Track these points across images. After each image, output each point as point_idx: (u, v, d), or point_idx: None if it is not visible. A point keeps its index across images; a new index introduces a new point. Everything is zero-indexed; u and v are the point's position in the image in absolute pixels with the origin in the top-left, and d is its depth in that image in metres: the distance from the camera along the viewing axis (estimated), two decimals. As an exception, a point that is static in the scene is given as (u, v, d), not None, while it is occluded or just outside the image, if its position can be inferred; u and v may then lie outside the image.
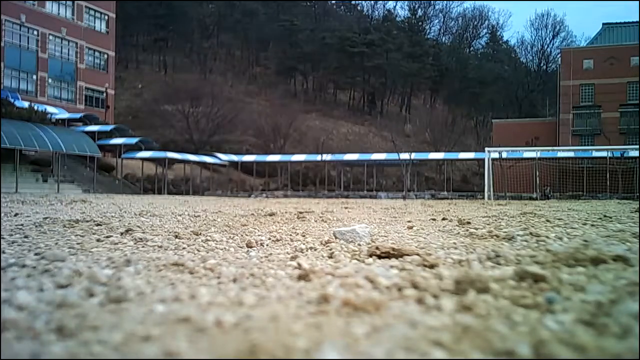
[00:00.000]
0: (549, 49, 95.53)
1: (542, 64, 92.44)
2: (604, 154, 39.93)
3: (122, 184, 41.90)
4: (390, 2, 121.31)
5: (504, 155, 41.05)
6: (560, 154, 41.01)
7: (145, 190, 42.32)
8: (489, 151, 29.59)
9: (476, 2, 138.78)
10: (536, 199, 37.79)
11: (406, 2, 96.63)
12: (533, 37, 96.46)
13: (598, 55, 44.76)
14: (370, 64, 79.87)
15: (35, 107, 40.16)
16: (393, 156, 45.56)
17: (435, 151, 65.27)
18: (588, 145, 44.48)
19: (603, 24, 51.72)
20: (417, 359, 1.15)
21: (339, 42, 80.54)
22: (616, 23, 50.42)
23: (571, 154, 40.63)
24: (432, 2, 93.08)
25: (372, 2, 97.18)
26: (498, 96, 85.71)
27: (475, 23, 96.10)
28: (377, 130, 79.06)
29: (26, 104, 40.54)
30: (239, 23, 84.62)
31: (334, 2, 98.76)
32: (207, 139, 64.59)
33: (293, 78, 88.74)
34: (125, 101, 72.24)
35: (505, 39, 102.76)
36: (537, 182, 37.18)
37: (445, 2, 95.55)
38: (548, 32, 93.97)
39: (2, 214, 6.04)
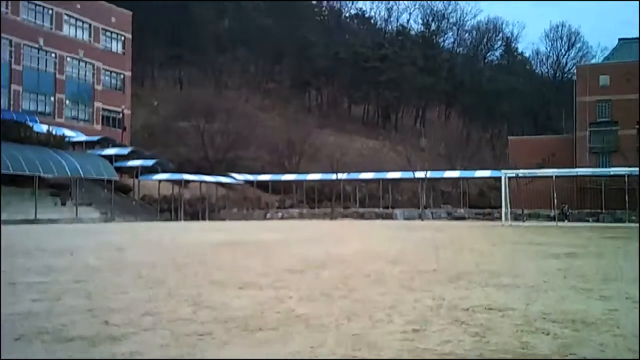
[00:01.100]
0: (564, 60, 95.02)
1: (557, 76, 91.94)
2: (622, 171, 39.55)
3: (140, 205, 42.24)
4: (404, 16, 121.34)
5: (521, 174, 40.81)
6: (579, 172, 40.69)
7: (162, 211, 42.64)
8: (505, 173, 29.40)
9: (490, 14, 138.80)
10: (554, 218, 37.49)
11: (420, 16, 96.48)
12: (548, 49, 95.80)
13: (614, 71, 44.43)
14: (384, 79, 79.90)
15: (54, 132, 40.70)
16: (408, 174, 45.47)
17: (451, 166, 65.06)
18: (605, 162, 44.07)
19: (619, 39, 51.51)
20: None
21: (352, 57, 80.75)
22: (632, 38, 50.11)
23: (589, 172, 40.31)
24: (446, 15, 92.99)
25: (386, 16, 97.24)
26: (513, 109, 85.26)
27: (490, 35, 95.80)
28: (391, 145, 78.88)
29: (44, 127, 41.10)
30: (253, 38, 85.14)
31: (347, 16, 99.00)
32: (222, 156, 64.85)
33: (307, 93, 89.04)
34: (141, 118, 72.82)
35: (520, 50, 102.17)
36: (555, 201, 36.97)
37: (459, 15, 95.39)
38: (563, 43, 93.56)
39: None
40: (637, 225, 27.24)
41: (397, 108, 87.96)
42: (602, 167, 43.50)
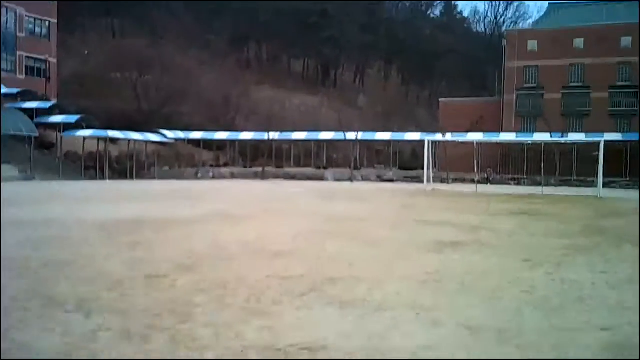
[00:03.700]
0: (502, 20, 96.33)
1: (495, 36, 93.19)
2: (545, 136, 40.88)
3: (63, 164, 40.82)
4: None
5: (448, 136, 41.61)
6: (502, 136, 41.88)
7: (87, 169, 41.38)
8: (428, 139, 29.87)
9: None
10: (479, 182, 38.54)
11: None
12: (486, 8, 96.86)
13: (542, 37, 45.36)
14: (324, 35, 78.97)
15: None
16: (340, 136, 45.62)
17: (388, 125, 65.60)
18: (530, 126, 45.41)
19: (549, 4, 52.55)
20: None
21: (293, 11, 79.19)
22: (562, 3, 51.13)
23: (513, 137, 41.55)
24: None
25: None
26: (451, 68, 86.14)
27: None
28: (330, 102, 78.72)
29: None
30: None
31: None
32: (157, 110, 63.17)
33: (247, 47, 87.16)
34: (71, 68, 69.71)
35: (459, 9, 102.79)
36: (479, 166, 37.98)
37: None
38: (501, 2, 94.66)
39: None
40: (551, 192, 28.37)
41: (337, 65, 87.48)
42: (527, 131, 44.85)
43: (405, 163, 51.83)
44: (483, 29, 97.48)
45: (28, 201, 17.31)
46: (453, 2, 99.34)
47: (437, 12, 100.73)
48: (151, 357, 3.91)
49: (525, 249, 9.27)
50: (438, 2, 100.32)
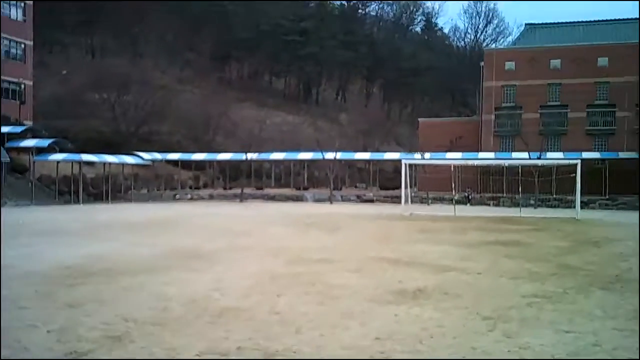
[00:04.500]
0: (482, 37, 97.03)
1: (475, 52, 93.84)
2: (523, 156, 40.81)
3: (36, 188, 39.94)
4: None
5: (427, 156, 41.40)
6: (481, 155, 41.76)
7: (60, 193, 40.53)
8: (404, 161, 29.53)
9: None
10: (458, 202, 38.28)
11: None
12: (466, 25, 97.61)
13: (520, 57, 45.50)
14: (304, 52, 78.90)
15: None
16: (319, 156, 45.27)
17: (370, 142, 65.39)
18: (508, 146, 45.38)
19: (526, 24, 52.78)
20: None
21: (273, 29, 79.09)
22: (539, 24, 51.50)
23: (491, 157, 41.49)
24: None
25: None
26: (432, 85, 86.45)
27: (410, 10, 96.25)
28: (312, 120, 78.41)
29: None
30: (172, 6, 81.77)
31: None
32: (135, 130, 62.46)
33: (228, 65, 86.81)
34: (49, 88, 68.79)
35: (439, 26, 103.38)
36: (457, 185, 37.73)
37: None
38: (481, 19, 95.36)
39: None
40: (529, 215, 28.06)
41: (319, 82, 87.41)
42: (506, 150, 44.79)
43: (386, 181, 51.53)
44: (463, 45, 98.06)
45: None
46: (434, 19, 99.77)
47: (418, 29, 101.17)
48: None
49: (490, 300, 8.83)
50: (420, 17, 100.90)
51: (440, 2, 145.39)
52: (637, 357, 2.65)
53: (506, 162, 36.32)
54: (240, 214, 29.23)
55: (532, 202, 37.80)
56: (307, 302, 8.53)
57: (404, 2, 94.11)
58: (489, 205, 39.27)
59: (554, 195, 38.26)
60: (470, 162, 36.56)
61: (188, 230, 19.72)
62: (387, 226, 21.99)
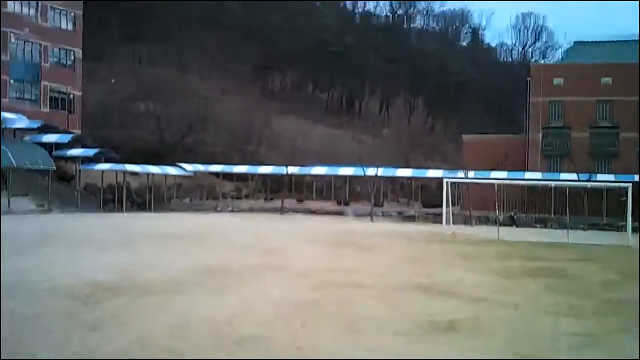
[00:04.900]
0: (530, 50, 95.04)
1: (522, 66, 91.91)
2: (572, 176, 39.44)
3: (81, 195, 40.74)
4: (370, 3, 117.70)
5: (471, 174, 40.44)
6: (528, 175, 40.60)
7: (105, 202, 41.20)
8: (446, 180, 28.80)
9: (457, 2, 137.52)
10: (503, 223, 37.21)
11: (387, 2, 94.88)
12: (514, 40, 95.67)
13: (569, 73, 44.05)
14: (348, 65, 78.68)
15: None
16: (359, 172, 44.78)
17: (413, 157, 64.57)
18: (556, 165, 43.94)
19: (574, 42, 51.30)
20: None
21: (316, 43, 79.23)
22: (587, 42, 49.92)
23: (538, 177, 40.28)
24: (413, 1, 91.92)
25: (353, 1, 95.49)
26: (477, 101, 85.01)
27: (457, 24, 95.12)
28: (354, 133, 78.06)
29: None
30: (217, 19, 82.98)
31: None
32: (179, 140, 63.35)
33: (271, 76, 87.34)
34: (96, 97, 70.47)
35: (486, 40, 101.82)
36: (503, 204, 36.79)
37: (426, 2, 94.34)
38: (529, 34, 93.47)
39: None
40: (577, 240, 26.89)
41: (362, 96, 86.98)
42: (554, 170, 43.34)
43: (429, 198, 50.26)
44: (510, 61, 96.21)
45: (16, 243, 16.71)
46: (481, 33, 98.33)
47: (464, 44, 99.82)
48: None
49: (524, 338, 8.28)
50: (466, 31, 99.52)
51: (487, 15, 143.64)
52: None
53: (553, 183, 35.09)
54: (277, 227, 29.03)
55: (581, 225, 36.39)
56: (331, 336, 8.13)
57: (449, 16, 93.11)
58: (535, 227, 38.00)
59: (605, 219, 36.80)
60: (516, 182, 35.52)
61: (221, 245, 19.53)
62: (424, 248, 21.38)
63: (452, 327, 8.76)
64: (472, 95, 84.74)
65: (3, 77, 47.82)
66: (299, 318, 9.01)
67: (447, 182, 28.28)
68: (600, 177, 38.34)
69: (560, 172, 42.85)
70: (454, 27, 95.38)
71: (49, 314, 8.70)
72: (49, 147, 40.01)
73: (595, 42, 49.33)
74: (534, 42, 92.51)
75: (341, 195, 52.39)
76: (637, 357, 2.65)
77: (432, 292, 11.81)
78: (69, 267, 13.29)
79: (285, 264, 15.31)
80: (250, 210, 45.37)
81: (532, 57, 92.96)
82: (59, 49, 53.77)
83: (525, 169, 43.88)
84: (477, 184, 39.79)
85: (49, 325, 8.06)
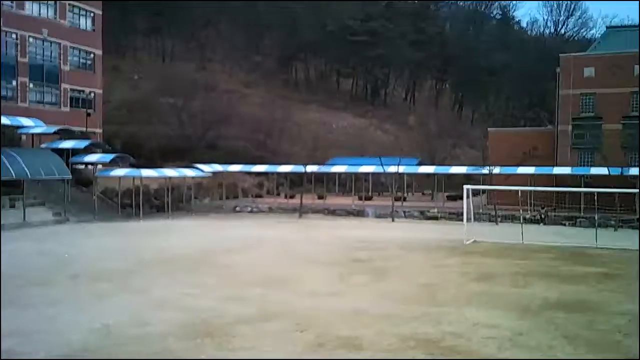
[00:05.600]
0: (563, 30, 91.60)
1: (555, 46, 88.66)
2: (603, 171, 37.58)
3: (99, 201, 40.48)
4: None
5: (496, 171, 38.91)
6: (556, 170, 38.88)
7: (123, 207, 40.88)
8: (467, 187, 27.40)
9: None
10: (529, 221, 35.83)
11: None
12: (546, 18, 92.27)
13: (600, 63, 41.74)
14: (373, 53, 76.96)
15: (8, 122, 38.62)
16: (380, 169, 43.54)
17: (438, 146, 62.78)
18: (587, 159, 41.92)
19: (607, 27, 48.62)
20: None
21: (340, 31, 77.61)
22: (621, 26, 47.29)
23: (568, 170, 38.51)
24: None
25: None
26: (507, 85, 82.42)
27: (486, 4, 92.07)
28: (379, 123, 76.57)
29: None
30: (238, 10, 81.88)
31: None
32: (202, 134, 62.93)
33: (294, 67, 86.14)
34: (120, 93, 70.45)
35: (517, 18, 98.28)
36: (531, 200, 35.37)
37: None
38: (562, 12, 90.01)
39: None
40: (607, 244, 25.37)
41: (387, 83, 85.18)
42: (584, 164, 41.36)
43: (455, 187, 48.61)
44: (542, 40, 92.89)
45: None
46: (511, 12, 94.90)
47: (493, 24, 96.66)
48: None
49: None
50: (495, 11, 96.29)
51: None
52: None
53: (585, 173, 33.45)
54: (289, 239, 28.10)
55: (612, 222, 34.68)
56: None
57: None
58: (564, 225, 36.39)
59: (638, 215, 34.98)
60: (542, 190, 34.01)
61: (219, 276, 18.46)
62: (440, 269, 20.20)
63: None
64: (502, 79, 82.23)
65: (22, 79, 47.76)
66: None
67: (467, 190, 26.89)
68: (633, 171, 36.35)
69: (591, 165, 40.87)
70: (483, 6, 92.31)
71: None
72: (66, 152, 39.72)
73: (629, 26, 46.70)
74: (567, 19, 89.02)
75: (363, 189, 51.09)
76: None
77: (437, 349, 10.69)
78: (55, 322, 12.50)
79: (284, 308, 14.23)
80: (269, 210, 44.58)
81: (564, 35, 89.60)
82: (79, 49, 53.46)
83: (554, 162, 42.00)
84: (504, 178, 38.29)
85: None
